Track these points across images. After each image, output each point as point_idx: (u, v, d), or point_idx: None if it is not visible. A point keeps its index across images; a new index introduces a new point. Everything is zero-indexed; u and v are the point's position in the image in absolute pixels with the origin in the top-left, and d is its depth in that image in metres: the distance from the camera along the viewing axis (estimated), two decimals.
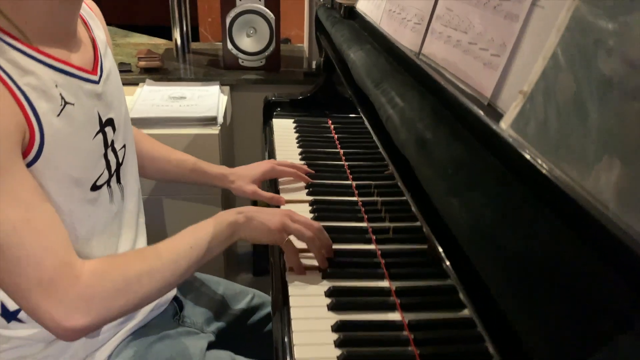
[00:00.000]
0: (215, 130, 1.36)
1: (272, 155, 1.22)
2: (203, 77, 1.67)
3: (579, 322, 0.30)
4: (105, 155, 0.77)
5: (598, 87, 0.39)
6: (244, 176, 1.07)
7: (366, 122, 0.82)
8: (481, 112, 0.54)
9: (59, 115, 0.66)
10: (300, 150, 1.22)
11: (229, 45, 1.68)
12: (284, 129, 1.35)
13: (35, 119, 0.63)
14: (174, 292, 0.96)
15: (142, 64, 1.65)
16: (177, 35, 1.86)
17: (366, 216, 0.96)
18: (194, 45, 1.98)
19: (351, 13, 1.15)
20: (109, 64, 0.81)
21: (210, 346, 0.92)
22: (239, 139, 1.76)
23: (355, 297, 0.77)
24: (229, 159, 1.63)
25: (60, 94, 0.67)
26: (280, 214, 0.84)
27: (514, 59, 0.56)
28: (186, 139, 1.35)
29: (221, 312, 1.04)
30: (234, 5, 1.64)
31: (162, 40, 2.09)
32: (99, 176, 0.75)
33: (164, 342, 0.86)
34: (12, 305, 0.73)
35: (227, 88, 1.64)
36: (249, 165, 1.10)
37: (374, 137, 0.78)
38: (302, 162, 1.16)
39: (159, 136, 1.35)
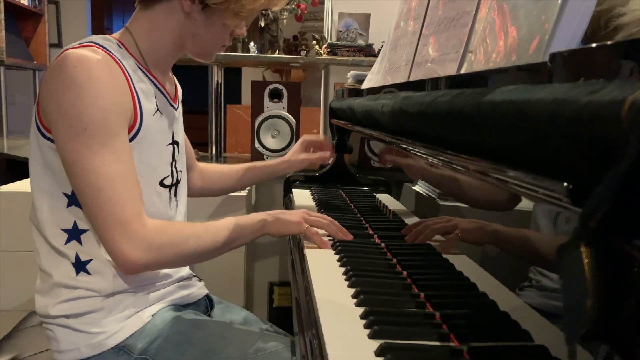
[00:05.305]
0: (243, 192, 1.60)
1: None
2: None
3: None
4: (172, 165, 1.01)
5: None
6: (291, 153, 1.38)
7: (374, 134, 1.05)
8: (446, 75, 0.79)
9: (153, 115, 0.94)
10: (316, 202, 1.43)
11: (256, 144, 1.99)
12: (303, 195, 1.57)
13: (139, 111, 0.91)
14: (205, 290, 1.11)
15: None
16: (212, 147, 2.21)
17: (368, 225, 1.14)
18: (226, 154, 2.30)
19: (358, 93, 1.45)
20: (180, 110, 1.10)
21: None
22: None
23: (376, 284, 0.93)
24: None
25: (156, 103, 0.96)
26: (300, 212, 1.05)
27: (467, 48, 0.82)
28: (217, 199, 1.57)
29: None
30: (262, 111, 1.99)
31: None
32: (166, 176, 0.99)
33: (198, 314, 1.00)
34: (84, 256, 0.91)
35: None
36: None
37: (381, 136, 1.01)
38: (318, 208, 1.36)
39: None
